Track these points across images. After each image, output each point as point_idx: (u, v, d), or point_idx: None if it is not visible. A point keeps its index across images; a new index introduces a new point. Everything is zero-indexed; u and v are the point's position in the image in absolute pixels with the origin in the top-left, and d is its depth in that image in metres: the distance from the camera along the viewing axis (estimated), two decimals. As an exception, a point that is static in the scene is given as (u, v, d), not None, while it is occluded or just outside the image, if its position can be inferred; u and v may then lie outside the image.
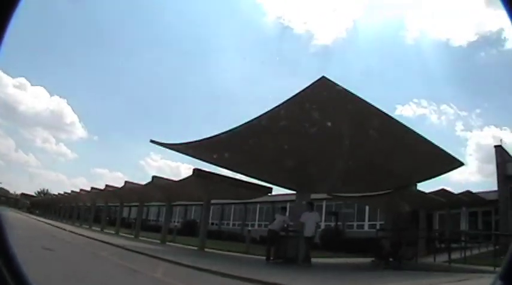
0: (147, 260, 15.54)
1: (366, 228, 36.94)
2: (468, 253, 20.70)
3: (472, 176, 65.67)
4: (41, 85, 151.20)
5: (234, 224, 53.03)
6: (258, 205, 48.32)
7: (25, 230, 24.36)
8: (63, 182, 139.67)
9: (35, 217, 62.22)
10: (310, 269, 16.20)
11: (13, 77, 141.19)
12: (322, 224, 38.87)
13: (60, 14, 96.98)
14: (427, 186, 23.53)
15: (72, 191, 57.20)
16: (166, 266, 13.89)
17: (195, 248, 24.94)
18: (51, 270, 9.60)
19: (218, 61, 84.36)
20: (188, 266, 13.72)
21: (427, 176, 20.86)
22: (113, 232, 37.46)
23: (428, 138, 15.89)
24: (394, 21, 65.09)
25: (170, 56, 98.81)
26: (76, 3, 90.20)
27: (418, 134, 15.51)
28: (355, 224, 39.10)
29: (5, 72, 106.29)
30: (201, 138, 18.30)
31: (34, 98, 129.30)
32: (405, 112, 64.69)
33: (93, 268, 11.47)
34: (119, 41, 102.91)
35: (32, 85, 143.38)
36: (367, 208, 37.13)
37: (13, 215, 48.86)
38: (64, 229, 34.11)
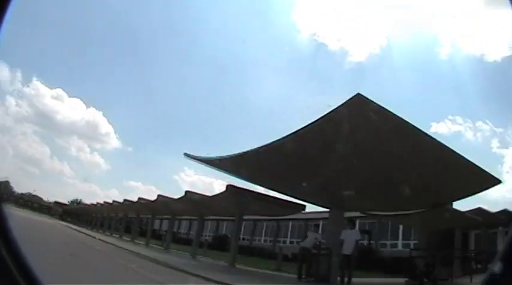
0: (177, 274, 15.44)
1: (400, 247, 36.01)
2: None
3: (509, 194, 63.73)
4: (77, 97, 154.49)
5: (265, 241, 52.60)
6: (291, 222, 47.86)
7: (55, 237, 24.58)
8: (96, 193, 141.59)
9: (66, 224, 63.06)
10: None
11: (51, 88, 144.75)
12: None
13: (96, 27, 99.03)
14: (463, 205, 22.89)
15: (105, 202, 57.92)
16: (195, 280, 13.76)
17: (226, 263, 24.79)
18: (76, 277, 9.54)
19: (253, 77, 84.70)
20: (218, 283, 13.55)
21: (464, 195, 20.28)
22: (143, 243, 37.62)
23: (464, 155, 15.49)
24: (427, 37, 64.31)
25: (207, 72, 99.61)
26: (113, 18, 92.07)
27: (454, 151, 15.12)
28: (388, 243, 38.37)
29: (43, 83, 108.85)
30: (234, 154, 18.21)
31: (71, 109, 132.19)
32: (440, 130, 63.40)
33: (121, 280, 11.38)
34: (157, 56, 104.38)
35: (69, 96, 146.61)
36: (401, 226, 36.50)
37: (44, 221, 49.67)
38: (94, 237, 34.40)
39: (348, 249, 16.95)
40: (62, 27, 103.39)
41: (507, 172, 63.87)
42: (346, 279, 16.60)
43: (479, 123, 75.87)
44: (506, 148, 68.97)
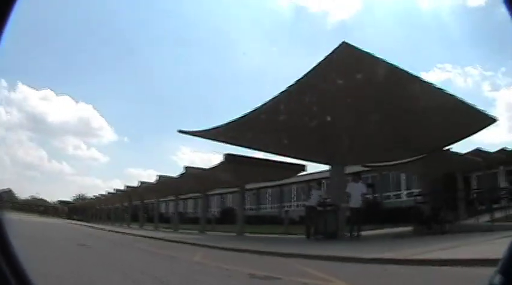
0: (186, 248, 15.51)
1: (404, 197, 36.45)
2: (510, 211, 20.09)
3: (505, 135, 63.88)
4: (66, 94, 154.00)
5: (271, 207, 52.85)
6: (294, 186, 48.00)
7: (62, 233, 24.61)
8: (98, 186, 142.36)
9: (73, 222, 63.13)
10: (350, 241, 15.88)
11: (37, 89, 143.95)
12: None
13: (73, 19, 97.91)
14: (461, 148, 22.91)
15: (108, 192, 57.72)
16: (204, 250, 13.80)
17: (234, 234, 24.85)
18: (88, 262, 9.49)
19: (237, 49, 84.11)
20: (226, 249, 13.64)
21: (461, 137, 20.23)
22: (152, 228, 37.70)
23: (460, 98, 15.37)
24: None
25: (190, 49, 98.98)
26: (93, 9, 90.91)
27: (448, 92, 15.01)
28: (392, 194, 38.77)
29: (30, 86, 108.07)
30: (228, 121, 18.02)
31: (60, 108, 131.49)
32: (430, 78, 63.22)
33: (131, 258, 11.36)
34: (138, 38, 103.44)
35: (57, 95, 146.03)
36: (403, 176, 36.67)
37: (50, 222, 49.83)
38: (102, 229, 34.47)
39: (355, 202, 16.97)
40: (40, 25, 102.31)
41: (501, 114, 64.02)
42: (355, 233, 16.61)
43: (468, 68, 75.95)
44: (497, 90, 69.14)
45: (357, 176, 18.78)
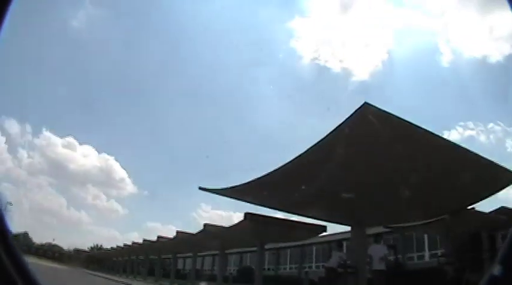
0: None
1: (427, 258, 35.33)
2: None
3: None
4: (89, 144, 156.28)
5: (290, 268, 52.03)
6: (314, 247, 47.37)
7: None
8: (116, 237, 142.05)
9: (89, 271, 62.77)
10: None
11: (61, 137, 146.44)
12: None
13: (98, 74, 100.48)
14: (485, 206, 22.44)
15: (124, 245, 57.62)
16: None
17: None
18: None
19: (259, 109, 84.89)
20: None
21: (485, 195, 19.85)
22: (168, 284, 37.30)
23: (482, 155, 15.14)
24: (427, 47, 64.02)
25: (211, 109, 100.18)
26: (113, 62, 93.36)
27: (469, 151, 14.88)
28: (415, 255, 37.72)
29: (53, 133, 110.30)
30: (249, 180, 18.04)
31: (82, 157, 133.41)
32: (453, 137, 62.61)
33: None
34: (161, 96, 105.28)
35: (80, 144, 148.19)
36: (426, 237, 36.00)
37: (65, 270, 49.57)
38: (117, 281, 34.19)
39: (377, 265, 16.60)
40: (66, 75, 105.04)
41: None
42: None
43: (490, 125, 75.25)
44: (522, 146, 68.31)
45: (378, 237, 18.45)
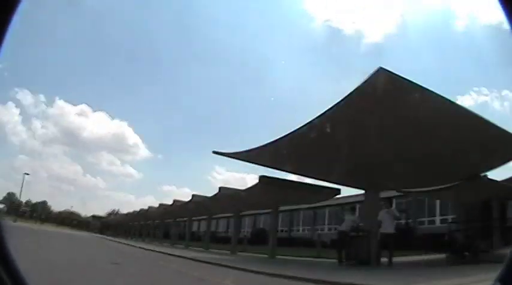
0: (216, 270, 15.50)
1: (438, 223, 35.80)
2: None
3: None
4: (102, 110, 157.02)
5: (303, 230, 52.50)
6: (327, 209, 47.69)
7: (96, 249, 24.90)
8: (131, 201, 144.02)
9: (105, 237, 63.61)
10: (380, 268, 15.72)
11: (74, 105, 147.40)
12: (393, 222, 38.03)
13: (110, 39, 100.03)
14: (498, 174, 22.39)
15: (141, 209, 58.24)
16: (235, 273, 13.76)
17: (266, 256, 24.76)
18: (117, 282, 9.58)
19: (272, 71, 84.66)
20: (258, 272, 13.55)
21: (498, 164, 19.83)
22: (183, 247, 37.80)
23: (496, 124, 15.03)
24: (442, 10, 63.02)
25: (226, 71, 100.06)
26: (127, 26, 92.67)
27: (485, 119, 14.69)
28: (426, 220, 38.02)
29: (67, 101, 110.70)
30: (263, 144, 18.09)
31: (96, 123, 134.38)
32: (466, 102, 62.19)
33: (161, 280, 11.39)
34: (176, 60, 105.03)
35: (93, 111, 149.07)
36: (437, 202, 36.02)
37: (83, 236, 50.40)
38: (134, 246, 34.70)
39: (386, 228, 16.80)
40: (77, 44, 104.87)
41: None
42: (387, 259, 16.43)
43: (505, 92, 74.39)
44: (536, 114, 67.48)
45: (387, 202, 18.56)
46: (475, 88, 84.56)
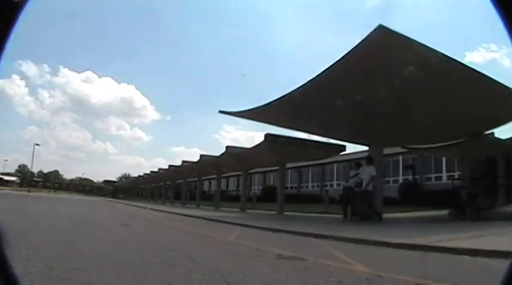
0: (223, 227, 15.88)
1: (444, 179, 35.68)
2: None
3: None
4: (108, 76, 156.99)
5: (312, 186, 52.99)
6: (335, 165, 48.01)
7: (106, 212, 25.45)
8: (142, 164, 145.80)
9: (117, 201, 64.37)
10: (382, 223, 16.09)
11: (79, 72, 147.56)
12: (400, 178, 38.29)
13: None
14: (504, 132, 22.47)
15: (151, 172, 58.88)
16: (241, 229, 14.13)
17: (274, 212, 25.21)
18: (125, 241, 9.95)
19: (275, 27, 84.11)
20: (262, 228, 13.93)
21: (504, 122, 19.86)
22: (194, 206, 38.35)
23: (502, 83, 15.05)
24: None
25: (229, 29, 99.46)
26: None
27: (490, 78, 14.70)
28: (433, 176, 38.49)
29: (71, 69, 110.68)
30: (268, 102, 18.25)
31: (103, 89, 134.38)
32: (475, 59, 61.44)
33: (169, 238, 11.75)
34: (176, 19, 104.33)
35: (99, 77, 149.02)
36: (444, 159, 36.06)
37: (96, 201, 51.18)
38: (145, 207, 35.29)
39: (365, 185, 17.64)
40: (76, 8, 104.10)
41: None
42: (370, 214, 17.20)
43: (515, 49, 72.91)
44: (546, 74, 66.57)
45: (368, 159, 18.74)
46: (484, 45, 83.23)
